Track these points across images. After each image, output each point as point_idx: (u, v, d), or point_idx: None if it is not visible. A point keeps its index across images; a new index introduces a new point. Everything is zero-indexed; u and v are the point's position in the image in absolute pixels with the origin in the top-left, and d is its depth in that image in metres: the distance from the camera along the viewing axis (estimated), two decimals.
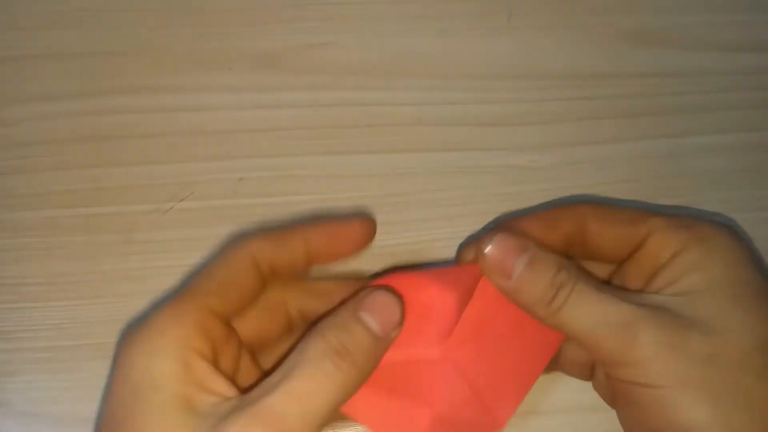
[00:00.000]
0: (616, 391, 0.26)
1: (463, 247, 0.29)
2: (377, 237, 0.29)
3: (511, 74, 0.37)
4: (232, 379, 0.24)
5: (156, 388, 0.23)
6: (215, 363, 0.24)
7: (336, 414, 0.25)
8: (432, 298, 0.26)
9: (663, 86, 0.37)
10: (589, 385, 0.30)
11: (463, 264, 0.29)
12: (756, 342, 0.24)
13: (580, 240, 0.28)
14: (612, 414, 0.28)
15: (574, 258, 0.29)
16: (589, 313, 0.25)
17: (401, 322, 0.25)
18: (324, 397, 0.22)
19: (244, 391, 0.23)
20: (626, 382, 0.25)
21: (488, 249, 0.26)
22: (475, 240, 0.28)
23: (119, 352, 0.24)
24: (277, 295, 0.28)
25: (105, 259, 0.33)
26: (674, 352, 0.23)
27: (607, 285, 0.26)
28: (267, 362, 0.28)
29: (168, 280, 0.33)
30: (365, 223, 0.28)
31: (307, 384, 0.22)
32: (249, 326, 0.27)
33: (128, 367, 0.23)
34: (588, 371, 0.29)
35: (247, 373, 0.27)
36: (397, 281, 0.27)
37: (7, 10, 0.37)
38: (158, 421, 0.22)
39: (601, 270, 0.30)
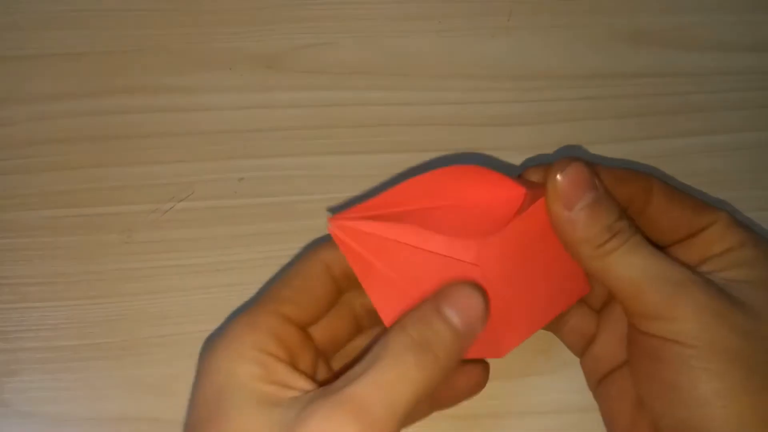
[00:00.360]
0: (639, 346, 0.26)
1: (529, 168, 0.28)
2: None
3: (510, 74, 0.37)
4: (311, 380, 0.25)
5: (238, 387, 0.23)
6: (293, 367, 0.25)
7: (416, 411, 0.27)
8: (495, 191, 0.26)
9: (663, 86, 0.37)
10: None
11: (527, 180, 0.28)
12: None
13: (639, 209, 0.28)
14: None
15: (645, 226, 0.29)
16: (639, 263, 0.25)
17: (485, 317, 0.25)
18: (407, 388, 0.22)
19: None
20: (658, 336, 0.24)
21: (560, 174, 0.25)
22: (546, 164, 0.27)
23: (202, 360, 0.25)
24: (343, 293, 0.28)
25: (105, 259, 0.33)
26: (718, 318, 0.23)
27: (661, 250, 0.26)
28: (339, 365, 0.28)
29: (168, 280, 0.33)
30: None
31: (391, 374, 0.22)
32: (319, 329, 0.27)
33: (211, 372, 0.24)
34: (584, 344, 0.29)
35: (323, 378, 0.27)
36: (464, 171, 0.26)
37: (7, 10, 0.37)
38: (242, 416, 0.23)
39: None
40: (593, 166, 0.27)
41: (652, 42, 0.37)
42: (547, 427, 0.32)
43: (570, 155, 0.28)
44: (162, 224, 0.34)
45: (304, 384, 0.24)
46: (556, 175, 0.25)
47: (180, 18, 0.37)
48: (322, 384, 0.24)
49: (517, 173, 0.28)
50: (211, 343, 0.25)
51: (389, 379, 0.22)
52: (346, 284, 0.27)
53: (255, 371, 0.23)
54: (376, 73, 0.37)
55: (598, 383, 0.28)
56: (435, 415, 0.32)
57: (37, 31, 0.37)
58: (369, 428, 0.21)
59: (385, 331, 0.24)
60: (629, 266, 0.25)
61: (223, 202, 0.34)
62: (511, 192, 0.26)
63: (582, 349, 0.30)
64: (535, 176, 0.28)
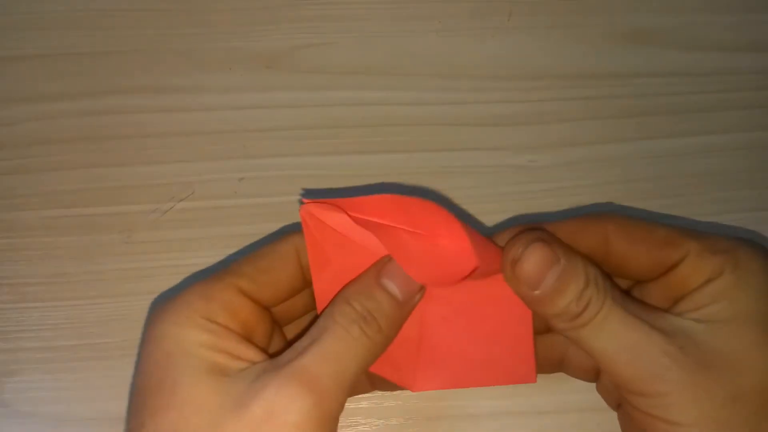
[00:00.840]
0: (629, 415, 0.26)
1: (495, 235, 0.27)
2: None
3: (511, 74, 0.37)
4: (262, 352, 0.25)
5: (187, 355, 0.23)
6: (245, 338, 0.25)
7: (360, 386, 0.27)
8: (453, 250, 0.26)
9: (663, 86, 0.37)
10: (588, 385, 0.29)
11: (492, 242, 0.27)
12: None
13: (601, 257, 0.27)
14: (612, 414, 0.28)
15: (613, 271, 0.27)
16: (614, 336, 0.24)
17: (423, 288, 0.26)
18: (353, 359, 0.23)
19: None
20: (642, 411, 0.24)
21: (522, 258, 0.24)
22: (510, 237, 0.26)
23: (149, 324, 0.24)
24: (289, 247, 0.27)
25: (105, 259, 0.33)
26: (698, 391, 0.23)
27: (632, 301, 0.25)
28: (293, 334, 0.29)
29: (168, 280, 0.33)
30: None
31: (338, 346, 0.23)
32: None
33: (159, 337, 0.24)
34: (592, 375, 0.29)
35: (278, 349, 0.27)
36: (439, 212, 0.26)
37: (7, 10, 0.37)
38: (191, 385, 0.23)
39: (620, 282, 0.28)
40: (547, 230, 0.26)
41: (652, 42, 0.37)
42: (547, 427, 0.32)
43: (524, 224, 0.27)
44: (162, 224, 0.34)
45: (254, 356, 0.24)
46: (512, 263, 0.25)
47: (180, 18, 0.37)
48: (274, 355, 0.24)
49: (489, 232, 0.27)
50: (161, 307, 0.25)
51: (336, 351, 0.23)
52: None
53: (204, 339, 0.23)
54: (376, 73, 0.37)
55: (618, 406, 0.28)
56: (434, 415, 0.32)
57: (37, 31, 0.37)
58: (319, 398, 0.22)
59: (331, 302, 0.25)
60: (603, 340, 0.24)
61: (223, 202, 0.34)
62: (465, 257, 0.25)
63: (592, 378, 0.29)
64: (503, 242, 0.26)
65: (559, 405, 0.32)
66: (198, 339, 0.23)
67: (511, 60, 0.37)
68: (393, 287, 0.25)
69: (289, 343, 0.25)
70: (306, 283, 0.27)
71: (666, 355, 0.23)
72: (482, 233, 0.26)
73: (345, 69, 0.37)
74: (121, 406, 0.32)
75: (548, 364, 0.29)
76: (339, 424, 0.31)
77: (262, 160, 0.35)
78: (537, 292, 0.24)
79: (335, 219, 0.25)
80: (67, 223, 0.34)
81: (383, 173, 0.35)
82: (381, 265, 0.25)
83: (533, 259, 0.24)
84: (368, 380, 0.29)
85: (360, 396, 0.32)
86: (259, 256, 0.26)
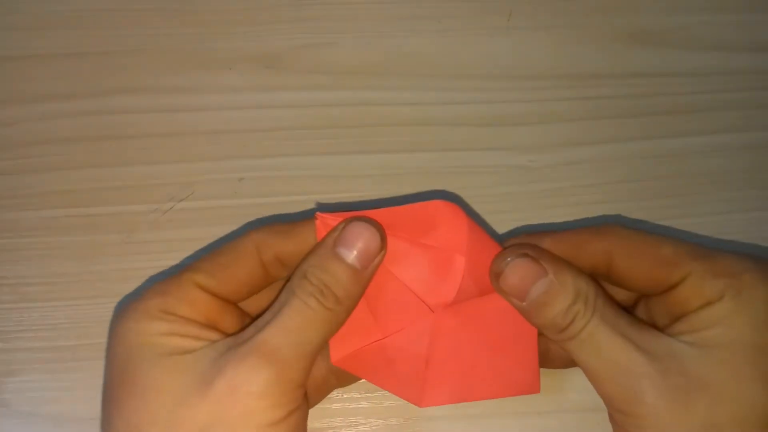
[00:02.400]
0: (614, 425, 0.26)
1: (505, 241, 0.28)
2: None
3: (511, 74, 0.37)
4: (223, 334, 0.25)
5: (146, 344, 0.24)
6: (206, 326, 0.25)
7: (324, 387, 0.28)
8: (447, 257, 0.26)
9: (663, 86, 0.37)
10: (588, 385, 0.29)
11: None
12: (757, 418, 0.22)
13: (605, 270, 0.27)
14: None
15: (615, 283, 0.28)
16: (598, 353, 0.24)
17: (382, 248, 0.26)
18: (313, 331, 0.24)
19: None
20: (621, 427, 0.24)
21: (506, 272, 0.25)
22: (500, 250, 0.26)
23: (113, 323, 0.25)
24: (275, 278, 0.28)
25: (105, 259, 0.33)
26: (673, 416, 0.23)
27: (626, 316, 0.25)
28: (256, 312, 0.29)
29: None
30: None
31: (297, 319, 0.24)
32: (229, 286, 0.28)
33: (120, 333, 0.25)
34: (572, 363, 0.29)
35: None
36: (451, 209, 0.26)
37: (7, 10, 0.37)
38: (150, 370, 0.23)
39: (626, 294, 0.29)
40: (544, 240, 0.26)
41: (652, 42, 0.37)
42: (547, 427, 0.32)
43: (520, 235, 0.27)
44: (162, 224, 0.34)
45: (213, 335, 0.24)
46: (495, 276, 0.26)
47: (180, 18, 0.37)
48: None
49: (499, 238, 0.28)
50: (122, 308, 0.25)
51: (296, 324, 0.24)
52: (276, 269, 0.27)
53: (162, 328, 0.24)
54: (376, 73, 0.37)
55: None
56: (434, 414, 0.32)
57: (37, 31, 0.37)
58: (279, 369, 0.23)
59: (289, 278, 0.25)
60: (589, 355, 0.24)
61: (223, 202, 0.34)
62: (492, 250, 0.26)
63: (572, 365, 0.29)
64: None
65: (559, 405, 0.32)
66: (156, 329, 0.24)
67: (511, 60, 0.37)
68: (349, 255, 0.25)
69: (253, 320, 0.25)
70: (268, 279, 0.27)
71: (645, 378, 0.23)
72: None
73: (345, 69, 0.37)
74: None
75: None
76: (339, 424, 0.32)
77: (262, 160, 0.35)
78: (524, 304, 0.25)
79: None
80: (67, 223, 0.34)
81: (383, 173, 0.35)
82: (337, 233, 0.26)
83: (516, 272, 0.25)
84: (334, 377, 0.29)
85: (360, 396, 0.32)
86: (219, 253, 0.27)
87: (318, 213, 0.26)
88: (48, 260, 0.33)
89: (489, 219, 0.34)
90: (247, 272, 0.27)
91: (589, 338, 0.24)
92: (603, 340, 0.24)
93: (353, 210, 0.26)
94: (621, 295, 0.29)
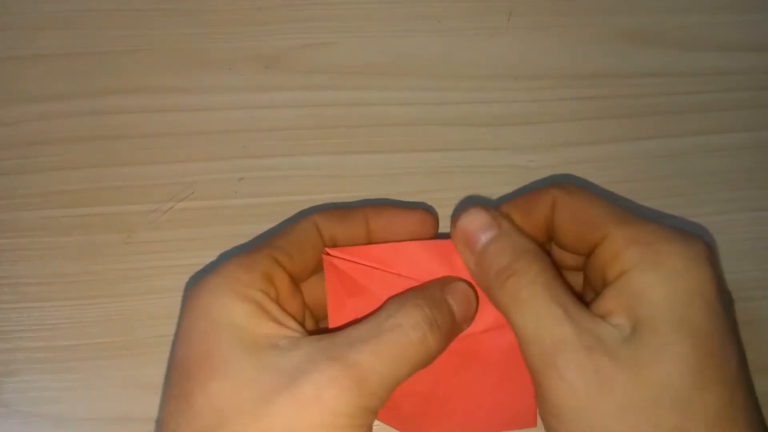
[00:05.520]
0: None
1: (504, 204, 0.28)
2: None
3: (511, 74, 0.37)
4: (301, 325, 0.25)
5: (233, 325, 0.23)
6: (284, 308, 0.25)
7: None
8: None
9: (663, 86, 0.37)
10: None
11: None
12: (670, 400, 0.22)
13: (550, 228, 0.27)
14: None
15: (555, 242, 0.28)
16: (531, 317, 0.23)
17: (473, 318, 0.26)
18: (406, 364, 0.23)
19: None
20: (541, 402, 0.24)
21: (460, 219, 0.26)
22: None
23: (190, 296, 0.25)
24: (310, 224, 0.28)
25: (105, 259, 0.33)
26: (593, 396, 0.22)
27: (568, 292, 0.24)
28: (307, 295, 0.29)
29: (168, 280, 0.33)
30: (425, 216, 0.29)
31: (396, 349, 0.23)
32: (307, 287, 0.28)
33: (202, 308, 0.24)
34: None
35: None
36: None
37: (7, 10, 0.37)
38: (239, 356, 0.23)
39: (573, 260, 0.29)
40: (501, 207, 0.27)
41: (653, 42, 0.37)
42: None
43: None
44: (162, 224, 0.34)
45: (296, 325, 0.24)
46: (453, 222, 0.26)
47: (179, 18, 0.37)
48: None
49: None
50: (201, 280, 0.25)
51: (394, 354, 0.23)
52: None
53: (248, 309, 0.24)
54: (376, 73, 0.37)
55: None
56: None
57: (36, 32, 0.37)
58: (365, 397, 0.22)
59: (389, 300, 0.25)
60: (524, 317, 0.24)
61: (223, 202, 0.34)
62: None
63: None
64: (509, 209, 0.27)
65: None
66: (242, 309, 0.24)
67: (511, 60, 0.37)
68: (455, 306, 0.25)
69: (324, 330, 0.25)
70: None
71: (570, 353, 0.22)
72: None
73: (345, 69, 0.37)
74: (121, 406, 0.32)
75: None
76: None
77: (262, 160, 0.35)
78: (473, 257, 0.26)
79: (351, 268, 0.27)
80: (67, 223, 0.34)
81: (383, 173, 0.35)
82: (446, 282, 0.26)
83: (470, 219, 0.26)
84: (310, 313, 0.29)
85: None
86: (287, 231, 0.27)
87: (326, 250, 0.27)
88: (48, 260, 0.33)
89: None
90: (315, 248, 0.27)
91: (528, 300, 0.24)
92: (540, 305, 0.23)
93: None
94: (571, 261, 0.29)
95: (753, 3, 0.38)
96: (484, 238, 0.25)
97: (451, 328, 0.25)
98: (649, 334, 0.22)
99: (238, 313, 0.24)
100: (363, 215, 0.28)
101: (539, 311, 0.23)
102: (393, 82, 0.36)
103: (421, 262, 0.26)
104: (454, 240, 0.26)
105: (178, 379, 0.24)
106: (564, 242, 0.27)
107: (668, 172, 0.35)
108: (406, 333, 0.23)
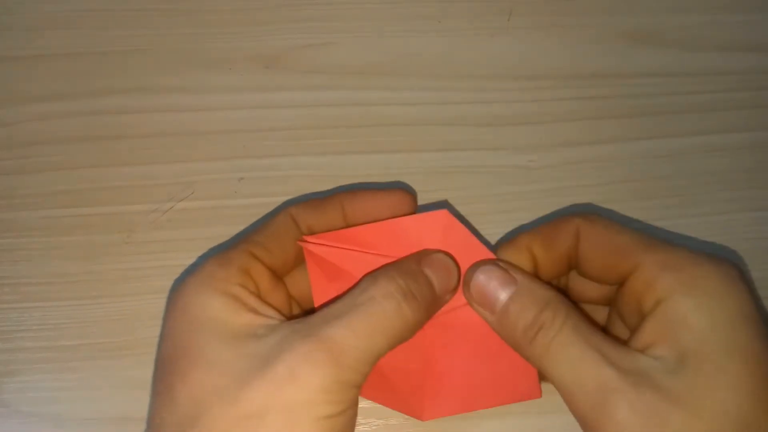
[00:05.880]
0: None
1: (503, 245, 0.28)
2: None
3: (511, 74, 0.37)
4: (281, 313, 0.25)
5: (211, 320, 0.24)
6: (263, 300, 0.25)
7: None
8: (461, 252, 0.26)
9: (663, 86, 0.37)
10: None
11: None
12: (734, 426, 0.21)
13: (575, 258, 0.27)
14: None
15: (581, 273, 0.28)
16: (568, 366, 0.23)
17: (455, 289, 0.26)
18: (383, 336, 0.23)
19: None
20: None
21: (472, 280, 0.25)
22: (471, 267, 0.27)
23: (173, 296, 0.25)
24: (286, 217, 0.28)
25: (105, 259, 0.33)
26: None
27: (598, 331, 0.24)
28: (294, 288, 0.29)
29: (168, 280, 0.33)
30: (401, 196, 0.28)
31: (370, 323, 0.23)
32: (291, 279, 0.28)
33: (183, 305, 0.25)
34: None
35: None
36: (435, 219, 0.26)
37: (7, 10, 0.37)
38: (217, 347, 0.23)
39: (598, 292, 0.28)
40: (521, 238, 0.26)
41: (653, 42, 0.37)
42: (547, 427, 0.32)
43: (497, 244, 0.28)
44: (162, 224, 0.34)
45: (275, 314, 0.25)
46: (469, 281, 0.25)
47: (179, 18, 0.37)
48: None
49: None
50: (183, 280, 0.25)
51: (368, 328, 0.23)
52: None
53: (226, 303, 0.24)
54: (376, 73, 0.37)
55: None
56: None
57: (36, 32, 0.37)
58: (342, 371, 0.22)
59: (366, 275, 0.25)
60: (560, 368, 0.23)
61: (223, 202, 0.34)
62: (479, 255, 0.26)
63: None
64: (506, 254, 0.27)
65: (560, 405, 0.32)
66: (220, 302, 0.24)
67: (511, 60, 0.37)
68: (433, 277, 0.25)
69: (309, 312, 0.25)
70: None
71: (617, 393, 0.22)
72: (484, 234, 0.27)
73: (345, 69, 0.37)
74: (121, 406, 0.32)
75: None
76: None
77: (262, 160, 0.35)
78: (494, 317, 0.25)
79: (329, 253, 0.27)
80: (67, 223, 0.34)
81: (383, 173, 0.35)
82: (423, 255, 0.26)
83: (484, 279, 0.25)
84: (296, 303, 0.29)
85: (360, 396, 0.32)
86: (264, 226, 0.28)
87: (303, 238, 0.27)
88: (48, 260, 0.33)
89: (489, 219, 0.34)
90: (293, 244, 0.27)
91: (561, 350, 0.23)
92: (575, 353, 0.23)
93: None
94: (594, 293, 0.28)
95: (753, 3, 0.38)
96: (502, 296, 0.25)
97: (430, 299, 0.25)
98: (698, 362, 0.22)
99: (216, 307, 0.24)
100: (338, 202, 0.28)
101: (575, 360, 0.23)
102: (393, 82, 0.36)
103: (398, 239, 0.26)
104: (469, 300, 0.26)
105: (161, 375, 0.24)
106: (591, 272, 0.26)
107: (668, 172, 0.35)
108: (379, 304, 0.23)
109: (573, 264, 0.27)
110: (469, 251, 0.26)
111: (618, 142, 0.36)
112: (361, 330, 0.23)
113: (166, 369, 0.24)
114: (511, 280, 0.25)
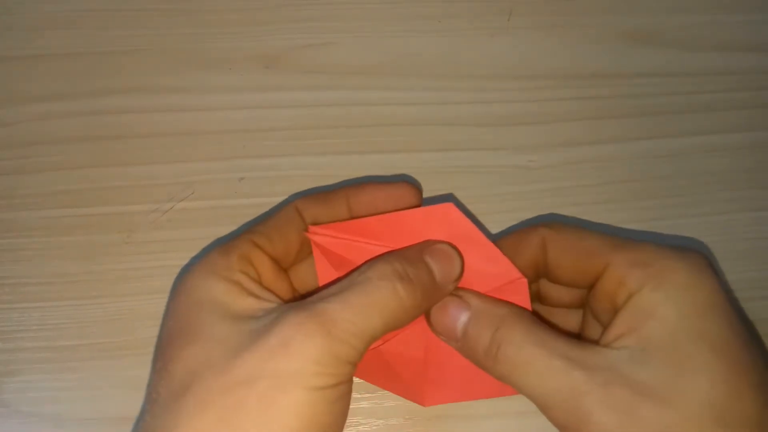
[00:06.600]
0: None
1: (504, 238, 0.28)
2: None
3: (511, 74, 0.37)
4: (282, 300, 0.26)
5: (212, 301, 0.24)
6: (265, 286, 0.26)
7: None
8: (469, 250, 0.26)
9: (663, 86, 0.37)
10: None
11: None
12: (709, 413, 0.21)
13: (543, 266, 0.27)
14: None
15: (551, 279, 0.28)
16: (537, 379, 0.23)
17: (459, 279, 0.26)
18: (378, 315, 0.23)
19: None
20: None
21: (431, 317, 0.26)
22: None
23: (179, 282, 0.26)
24: (291, 210, 0.29)
25: (105, 259, 0.33)
26: (626, 429, 0.22)
27: (561, 336, 0.24)
28: (300, 282, 0.29)
29: (168, 280, 0.33)
30: (406, 189, 0.28)
31: (364, 299, 0.23)
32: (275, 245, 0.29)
33: (188, 290, 0.25)
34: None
35: None
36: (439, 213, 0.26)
37: (7, 10, 0.37)
38: (214, 324, 0.23)
39: (570, 296, 0.29)
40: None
41: (653, 42, 0.37)
42: (547, 427, 0.32)
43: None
44: (162, 224, 0.34)
45: (275, 299, 0.25)
46: (428, 318, 0.26)
47: (179, 18, 0.37)
48: None
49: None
50: (187, 269, 0.26)
51: (362, 303, 0.23)
52: None
53: (229, 288, 0.25)
54: (376, 73, 0.37)
55: None
56: (434, 414, 0.32)
57: (36, 32, 0.37)
58: (335, 343, 0.22)
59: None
60: (531, 382, 0.23)
61: (223, 202, 0.34)
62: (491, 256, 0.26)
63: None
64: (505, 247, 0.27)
65: None
66: (222, 287, 0.24)
67: (511, 60, 0.37)
68: (434, 266, 0.25)
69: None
70: (309, 247, 0.28)
71: (588, 396, 0.22)
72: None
73: (345, 69, 0.37)
74: (121, 406, 0.32)
75: None
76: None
77: (262, 160, 0.35)
78: (458, 343, 0.26)
79: (335, 243, 0.27)
80: (67, 223, 0.34)
81: (383, 173, 0.35)
82: (426, 245, 0.26)
83: (441, 310, 0.26)
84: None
85: (360, 396, 0.32)
86: (269, 218, 0.28)
87: (309, 227, 0.27)
88: (48, 260, 0.33)
89: (489, 219, 0.34)
90: (297, 235, 0.28)
91: (526, 364, 0.23)
92: (540, 364, 0.23)
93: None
94: (566, 298, 0.29)
95: (753, 3, 0.38)
96: (460, 323, 0.25)
97: (428, 285, 0.25)
98: (667, 352, 0.22)
99: (219, 291, 0.24)
100: (343, 195, 0.28)
101: (542, 371, 0.23)
102: (393, 82, 0.36)
103: (403, 231, 0.26)
104: (436, 334, 0.26)
105: (161, 352, 0.25)
106: (562, 278, 0.27)
107: (668, 172, 0.35)
108: (374, 283, 0.24)
109: (541, 272, 0.28)
110: (474, 245, 0.26)
111: (618, 142, 0.36)
112: (355, 305, 0.23)
113: (167, 345, 0.24)
114: (465, 306, 0.25)
